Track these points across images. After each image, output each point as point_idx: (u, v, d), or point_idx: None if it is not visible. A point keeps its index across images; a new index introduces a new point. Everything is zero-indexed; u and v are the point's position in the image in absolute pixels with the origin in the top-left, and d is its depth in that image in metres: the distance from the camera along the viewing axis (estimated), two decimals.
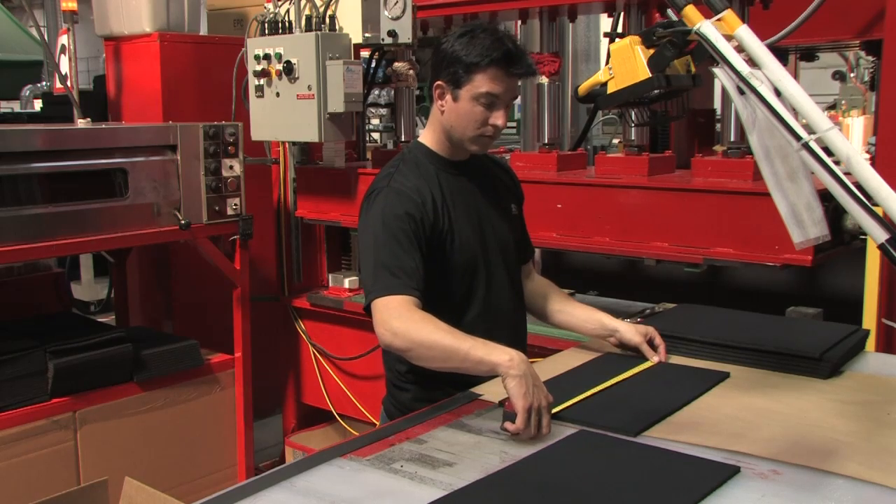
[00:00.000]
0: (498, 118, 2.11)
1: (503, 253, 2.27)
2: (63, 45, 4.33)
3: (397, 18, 3.52)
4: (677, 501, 1.48)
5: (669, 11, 1.88)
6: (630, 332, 2.25)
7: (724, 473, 1.57)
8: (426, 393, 2.19)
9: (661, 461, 1.64)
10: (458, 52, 2.08)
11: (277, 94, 3.70)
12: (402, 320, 1.94)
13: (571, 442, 1.73)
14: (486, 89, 2.06)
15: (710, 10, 1.70)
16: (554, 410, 1.84)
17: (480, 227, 2.22)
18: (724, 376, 2.09)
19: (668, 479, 1.57)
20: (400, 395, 2.27)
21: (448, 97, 2.13)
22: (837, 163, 1.56)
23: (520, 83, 2.20)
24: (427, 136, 2.24)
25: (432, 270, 2.09)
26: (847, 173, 1.55)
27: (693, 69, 1.97)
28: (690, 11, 1.73)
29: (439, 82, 2.13)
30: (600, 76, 2.01)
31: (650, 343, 2.25)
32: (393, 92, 4.03)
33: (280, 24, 3.79)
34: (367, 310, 2.03)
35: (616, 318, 2.33)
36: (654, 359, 2.21)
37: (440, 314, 1.97)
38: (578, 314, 2.37)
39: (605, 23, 4.13)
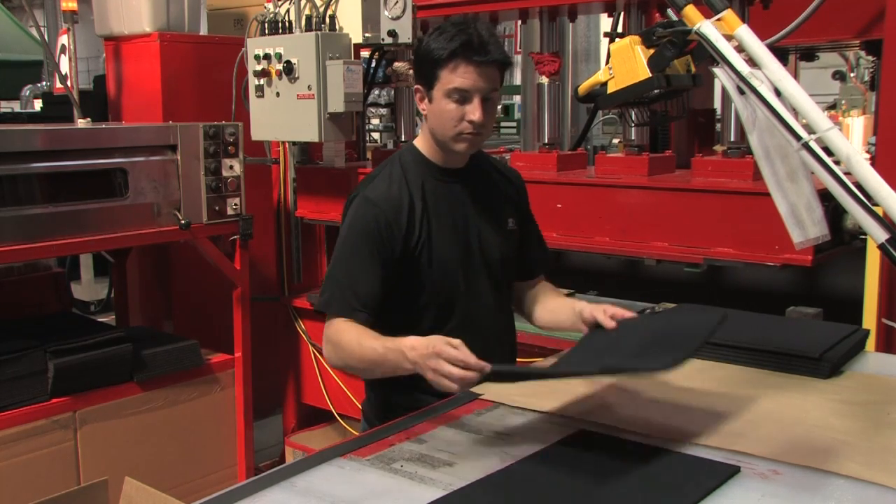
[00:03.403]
0: (473, 113, 1.97)
1: (488, 268, 2.16)
2: (63, 45, 4.33)
3: (397, 18, 3.52)
4: (677, 501, 1.48)
5: (669, 11, 1.88)
6: (590, 307, 2.07)
7: (724, 473, 1.57)
8: (383, 393, 2.19)
9: (661, 461, 1.64)
10: (426, 49, 1.99)
11: (277, 94, 3.70)
12: (332, 346, 2.02)
13: (571, 442, 1.73)
14: (453, 84, 1.96)
15: (710, 10, 1.70)
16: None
17: (466, 240, 2.12)
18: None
19: (668, 479, 1.56)
20: (371, 395, 2.26)
21: (426, 99, 2.05)
22: (837, 163, 1.56)
23: (506, 73, 2.09)
24: (420, 141, 2.17)
25: (408, 281, 2.07)
26: (847, 173, 1.55)
27: (693, 69, 1.97)
28: (690, 11, 1.73)
29: (417, 85, 2.06)
30: (600, 76, 2.01)
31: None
32: (393, 92, 4.03)
33: (280, 24, 3.79)
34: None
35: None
36: (610, 325, 1.96)
37: (416, 326, 2.00)
38: (557, 309, 2.24)
39: (605, 23, 4.13)
